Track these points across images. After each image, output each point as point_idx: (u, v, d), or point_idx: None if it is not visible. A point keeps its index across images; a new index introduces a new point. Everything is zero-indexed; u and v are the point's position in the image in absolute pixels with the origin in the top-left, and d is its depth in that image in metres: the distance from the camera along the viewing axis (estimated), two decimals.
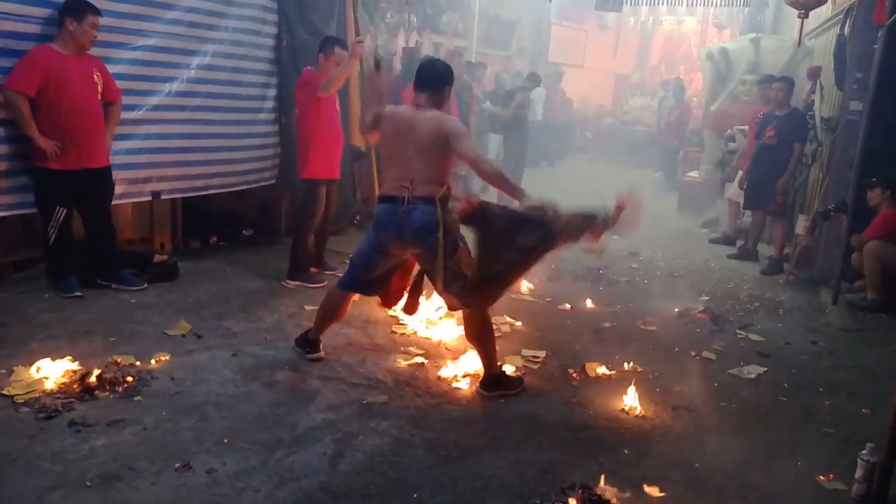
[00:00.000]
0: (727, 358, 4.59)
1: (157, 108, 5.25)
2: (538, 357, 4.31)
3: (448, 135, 3.56)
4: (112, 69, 4.80)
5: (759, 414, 3.81)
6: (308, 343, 4.05)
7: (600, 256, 5.22)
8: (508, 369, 4.02)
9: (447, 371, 3.98)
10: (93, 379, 3.44)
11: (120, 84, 4.84)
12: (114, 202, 4.98)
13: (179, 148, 5.46)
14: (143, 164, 5.23)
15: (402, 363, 4.09)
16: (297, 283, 5.41)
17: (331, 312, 4.00)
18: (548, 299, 5.52)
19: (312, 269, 5.58)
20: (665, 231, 8.93)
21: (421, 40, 10.22)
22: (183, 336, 4.25)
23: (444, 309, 4.39)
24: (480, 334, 3.72)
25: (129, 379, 3.55)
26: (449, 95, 3.86)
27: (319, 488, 2.81)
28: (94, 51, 4.64)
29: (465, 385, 3.84)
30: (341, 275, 4.12)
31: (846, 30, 6.60)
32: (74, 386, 3.41)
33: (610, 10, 15.06)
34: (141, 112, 5.13)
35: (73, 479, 2.73)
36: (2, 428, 3.05)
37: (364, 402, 3.57)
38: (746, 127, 8.31)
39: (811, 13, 6.92)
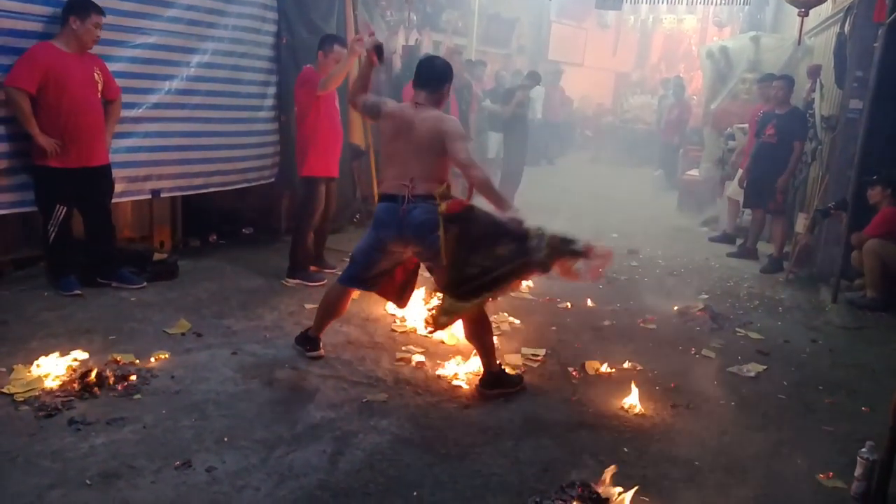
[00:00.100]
0: (727, 356, 4.59)
1: (156, 106, 5.25)
2: (538, 355, 4.32)
3: (445, 135, 3.56)
4: (112, 67, 4.80)
5: (758, 412, 3.81)
6: (308, 341, 4.05)
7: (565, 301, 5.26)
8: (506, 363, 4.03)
9: (447, 369, 3.98)
10: (93, 377, 3.44)
11: (119, 82, 4.84)
12: (113, 200, 4.98)
13: (179, 146, 5.46)
14: (143, 162, 5.23)
15: (402, 362, 4.09)
16: (297, 281, 5.41)
17: (331, 309, 4.00)
18: (547, 297, 5.52)
19: (312, 268, 5.58)
20: (665, 229, 8.95)
21: (421, 38, 10.21)
22: (183, 334, 4.25)
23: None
24: (479, 333, 3.72)
25: (129, 377, 3.55)
26: (448, 93, 3.86)
27: (319, 486, 2.81)
28: (93, 49, 4.63)
29: (464, 383, 3.84)
30: (341, 273, 4.12)
31: (846, 28, 6.60)
32: (74, 384, 3.41)
33: (610, 9, 15.03)
34: (141, 110, 5.13)
35: (73, 478, 2.73)
36: (2, 426, 3.05)
37: (364, 400, 3.57)
38: (746, 125, 8.30)
39: (811, 11, 6.91)
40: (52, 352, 3.62)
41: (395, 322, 4.72)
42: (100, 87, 4.65)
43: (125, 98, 4.91)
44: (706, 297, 5.93)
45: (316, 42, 5.46)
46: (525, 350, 4.38)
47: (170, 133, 5.37)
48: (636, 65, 19.50)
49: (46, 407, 3.20)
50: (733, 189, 8.18)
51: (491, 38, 14.18)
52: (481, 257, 3.45)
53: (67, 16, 4.44)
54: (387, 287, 3.99)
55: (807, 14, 6.77)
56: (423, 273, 3.99)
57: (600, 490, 2.81)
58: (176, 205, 6.03)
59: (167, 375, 3.66)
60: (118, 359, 3.76)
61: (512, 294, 3.81)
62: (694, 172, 10.80)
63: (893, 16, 5.26)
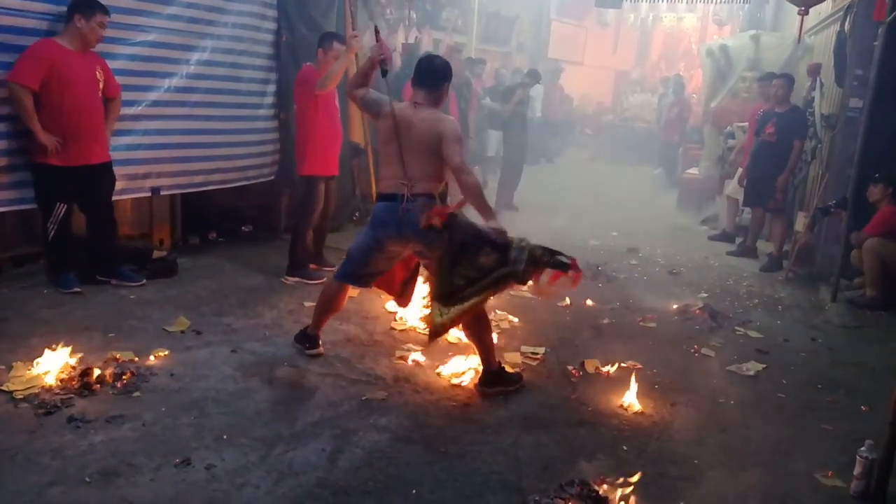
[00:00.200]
0: (726, 355, 4.59)
1: (156, 103, 5.24)
2: (537, 354, 4.32)
3: (442, 136, 3.56)
4: (111, 64, 4.79)
5: (757, 411, 3.81)
6: (307, 339, 4.05)
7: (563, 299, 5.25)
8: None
9: (446, 368, 3.98)
10: (92, 375, 3.44)
11: (119, 80, 4.83)
12: (113, 198, 4.97)
13: (179, 144, 5.45)
14: (143, 159, 5.22)
15: (401, 360, 4.09)
16: (297, 279, 5.41)
17: (328, 305, 4.00)
18: (547, 296, 5.51)
19: (311, 266, 5.58)
20: (664, 228, 8.95)
21: (420, 37, 10.21)
22: (182, 332, 4.25)
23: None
24: (478, 331, 3.72)
25: (129, 375, 3.55)
26: (447, 92, 3.85)
27: (318, 484, 2.81)
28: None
29: (464, 381, 3.84)
30: (336, 269, 4.13)
31: (846, 27, 6.59)
32: (73, 382, 3.41)
33: (610, 7, 15.07)
34: (140, 108, 5.13)
35: (73, 475, 2.73)
36: (1, 424, 3.05)
37: (363, 398, 3.57)
38: (746, 124, 8.30)
39: (811, 10, 6.92)
40: (52, 349, 3.62)
41: (394, 320, 4.72)
42: (101, 86, 4.65)
43: (125, 96, 4.90)
44: (706, 295, 5.93)
45: (315, 40, 5.45)
46: (524, 348, 4.38)
47: (169, 131, 5.37)
48: (636, 63, 19.49)
49: (46, 404, 3.20)
50: (733, 188, 8.18)
51: (491, 36, 14.17)
52: (465, 268, 3.47)
53: (72, 14, 4.44)
54: (389, 283, 4.00)
55: (807, 12, 6.78)
56: (423, 272, 3.98)
57: (599, 488, 2.81)
58: (175, 202, 6.03)
59: (166, 373, 3.66)
60: (117, 356, 3.76)
61: (511, 293, 3.81)
62: (694, 171, 10.80)
63: (893, 14, 5.26)
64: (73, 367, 3.54)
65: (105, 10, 4.53)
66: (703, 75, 11.38)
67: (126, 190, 5.16)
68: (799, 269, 6.81)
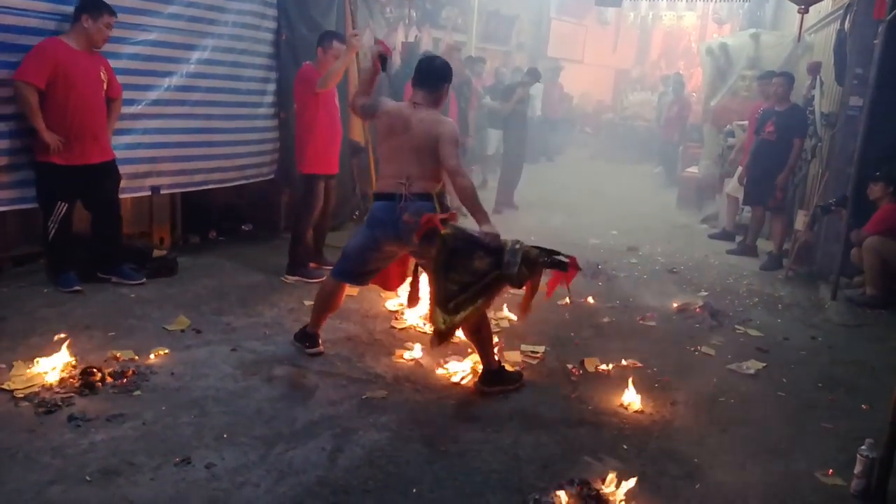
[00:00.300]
0: (726, 353, 4.59)
1: (156, 102, 5.24)
2: (537, 352, 4.32)
3: (439, 137, 3.56)
4: (112, 63, 4.80)
5: (757, 409, 3.81)
6: (307, 338, 4.05)
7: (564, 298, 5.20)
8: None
9: (446, 366, 3.98)
10: (93, 374, 3.44)
11: (120, 78, 4.83)
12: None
13: (179, 143, 5.45)
14: (143, 158, 5.22)
15: (401, 358, 4.09)
16: (297, 278, 5.41)
17: (326, 303, 4.00)
18: (547, 295, 5.50)
19: (311, 264, 5.58)
20: (664, 226, 8.95)
21: (420, 35, 10.20)
22: (182, 331, 4.25)
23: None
24: (478, 330, 3.71)
25: (129, 374, 3.55)
26: (447, 93, 3.85)
27: (318, 483, 2.81)
28: None
29: (464, 380, 3.84)
30: (333, 267, 4.13)
31: (846, 25, 6.59)
32: (74, 380, 3.41)
33: (609, 5, 15.08)
34: (140, 107, 5.13)
35: (73, 474, 2.73)
36: (2, 422, 3.05)
37: (363, 397, 3.57)
38: (746, 122, 8.29)
39: (811, 8, 6.91)
40: (52, 348, 3.62)
41: (394, 319, 4.73)
42: (105, 86, 4.67)
43: (125, 94, 4.90)
44: (706, 294, 5.93)
45: (315, 39, 5.45)
46: (524, 347, 4.38)
47: (169, 130, 5.37)
48: (636, 61, 19.50)
49: (46, 403, 3.20)
50: (733, 186, 8.17)
51: (490, 34, 14.17)
52: (459, 273, 3.46)
53: (80, 14, 4.47)
54: (385, 280, 4.01)
55: (807, 11, 6.76)
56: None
57: (600, 487, 2.81)
58: (175, 201, 6.03)
59: (167, 372, 3.66)
60: (118, 355, 3.76)
61: (512, 291, 3.81)
62: (693, 169, 10.80)
63: (893, 13, 5.25)
64: (74, 366, 3.54)
65: (112, 12, 4.57)
66: (703, 74, 11.37)
67: (126, 189, 5.16)
68: (799, 267, 6.81)
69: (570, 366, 4.17)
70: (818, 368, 4.48)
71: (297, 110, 5.41)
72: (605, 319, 5.11)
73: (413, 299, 4.02)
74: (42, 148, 4.41)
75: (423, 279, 3.79)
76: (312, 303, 4.13)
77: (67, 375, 3.46)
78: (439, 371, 3.95)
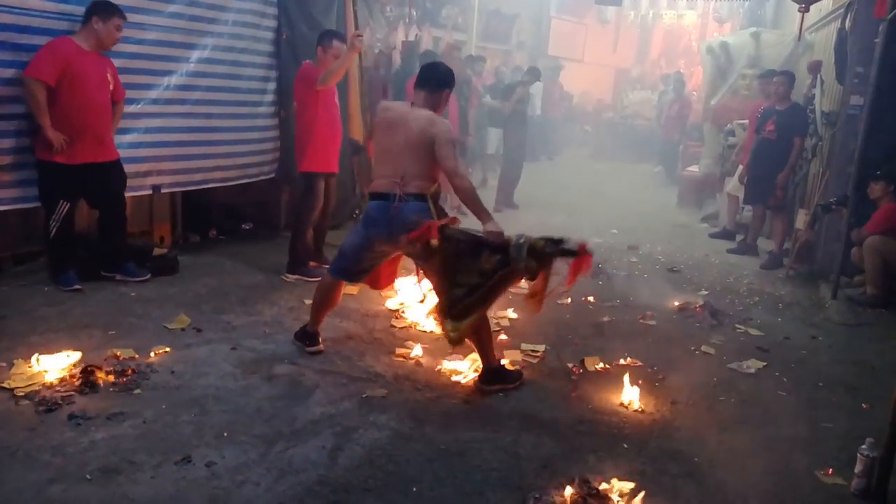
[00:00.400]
0: (726, 352, 4.59)
1: (156, 101, 5.25)
2: (537, 351, 4.32)
3: (434, 138, 3.56)
4: (113, 62, 4.81)
5: (757, 408, 3.81)
6: (307, 336, 4.05)
7: (566, 296, 5.15)
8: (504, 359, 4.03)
9: (446, 365, 3.98)
10: (93, 373, 3.44)
11: (120, 77, 4.83)
12: None
13: (179, 142, 5.46)
14: (143, 157, 5.22)
15: (401, 357, 4.09)
16: (297, 276, 5.42)
17: (324, 301, 4.01)
18: (547, 293, 5.50)
19: (311, 263, 5.57)
20: (664, 225, 8.95)
21: (420, 34, 10.19)
22: (182, 330, 4.25)
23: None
24: (478, 329, 3.71)
25: (129, 372, 3.55)
26: (447, 99, 3.87)
27: (318, 482, 2.81)
28: None
29: (464, 379, 3.84)
30: (330, 264, 4.13)
31: (847, 24, 6.58)
32: (74, 379, 3.41)
33: (610, 4, 15.07)
34: (141, 105, 5.13)
35: (73, 472, 2.73)
36: (2, 421, 3.05)
37: (363, 395, 3.57)
38: (746, 121, 8.29)
39: (812, 7, 6.91)
40: (52, 347, 3.62)
41: (394, 317, 4.73)
42: (111, 88, 4.70)
43: (126, 93, 4.90)
44: (706, 293, 5.93)
45: (316, 38, 5.45)
46: (525, 346, 4.38)
47: (170, 129, 5.37)
48: (636, 60, 19.49)
49: (46, 402, 3.20)
50: (733, 185, 8.17)
51: (491, 33, 14.16)
52: (466, 275, 3.45)
53: (90, 15, 4.51)
54: (374, 280, 4.04)
55: (807, 10, 6.77)
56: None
57: (599, 486, 2.81)
58: (176, 200, 6.03)
59: (167, 370, 3.66)
60: (118, 354, 3.76)
61: (514, 291, 3.81)
62: (694, 168, 10.80)
63: (894, 11, 5.25)
64: (74, 365, 3.53)
65: (122, 14, 4.61)
66: (704, 73, 11.37)
67: (127, 188, 5.14)
68: (799, 266, 6.80)
69: (570, 365, 4.16)
70: (818, 368, 4.48)
71: (298, 109, 5.41)
72: (606, 318, 5.11)
73: (380, 283, 4.05)
74: (44, 146, 4.41)
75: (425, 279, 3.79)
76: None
77: (68, 374, 3.46)
78: (439, 370, 3.94)
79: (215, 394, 3.47)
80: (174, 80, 5.33)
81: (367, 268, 3.89)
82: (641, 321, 5.12)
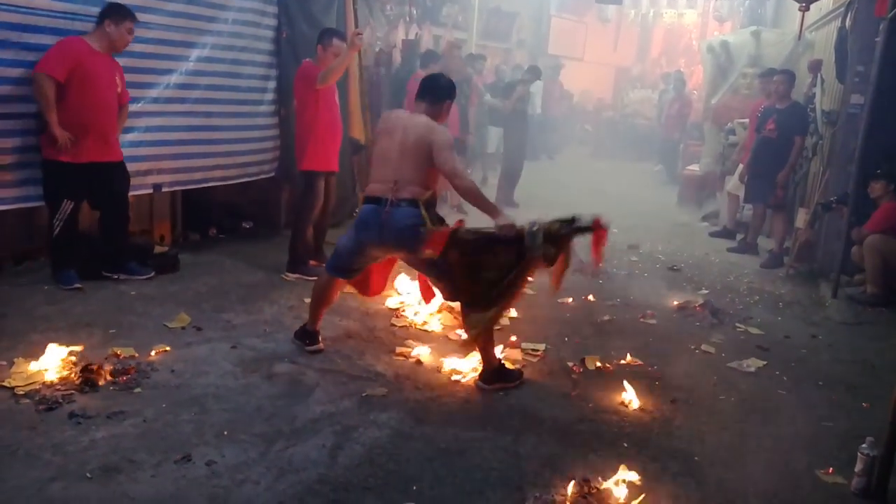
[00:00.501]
0: (726, 351, 4.59)
1: (157, 100, 5.24)
2: (538, 350, 4.31)
3: (432, 144, 3.58)
4: (121, 66, 4.84)
5: (758, 407, 3.81)
6: (307, 335, 4.06)
7: (596, 274, 5.13)
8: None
9: (447, 364, 3.98)
10: (93, 371, 3.44)
11: None
12: None
13: (179, 140, 5.45)
14: (144, 156, 5.22)
15: (401, 356, 4.09)
16: (297, 275, 5.41)
17: (321, 298, 4.02)
18: (548, 292, 5.51)
19: (311, 262, 5.57)
20: (665, 224, 8.95)
21: (421, 33, 10.20)
22: (182, 328, 4.25)
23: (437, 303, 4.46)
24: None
25: (129, 371, 3.55)
26: (448, 110, 3.89)
27: (319, 480, 2.81)
28: None
29: (464, 378, 3.84)
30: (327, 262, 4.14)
31: (847, 23, 6.58)
32: (74, 378, 3.41)
33: (610, 3, 15.06)
34: (141, 104, 5.12)
35: (74, 471, 2.73)
36: (2, 419, 3.05)
37: (363, 394, 3.57)
38: (747, 120, 8.29)
39: (812, 6, 6.92)
40: (53, 346, 3.61)
41: (395, 316, 4.73)
42: (119, 90, 4.73)
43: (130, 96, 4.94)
44: (706, 292, 5.93)
45: (316, 36, 5.44)
46: (525, 345, 4.38)
47: (170, 127, 5.37)
48: (636, 59, 19.49)
49: (47, 400, 3.20)
50: (733, 184, 8.18)
51: (491, 32, 14.16)
52: (486, 272, 3.46)
53: (103, 18, 4.56)
54: (363, 284, 4.07)
55: (808, 9, 6.77)
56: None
57: (600, 485, 2.81)
58: (176, 199, 6.03)
59: (167, 369, 3.66)
60: (118, 352, 3.76)
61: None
62: (694, 167, 10.80)
63: (895, 10, 5.24)
64: (74, 364, 3.53)
65: (134, 18, 4.66)
66: (704, 72, 11.37)
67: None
68: (799, 265, 6.80)
69: (570, 364, 4.16)
70: (819, 366, 4.48)
71: (298, 108, 5.41)
72: (606, 317, 5.11)
73: (427, 296, 4.07)
74: (50, 143, 4.42)
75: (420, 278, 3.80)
76: None
77: (68, 372, 3.45)
78: (440, 369, 3.94)
79: (215, 392, 3.47)
80: (174, 78, 5.33)
81: (361, 267, 3.91)
82: (642, 320, 5.12)
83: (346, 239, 3.86)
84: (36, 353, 3.56)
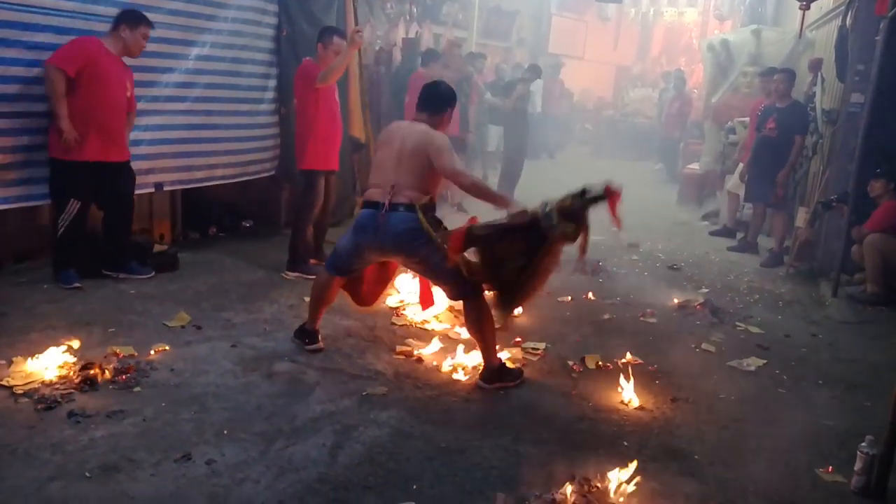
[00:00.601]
0: (727, 350, 4.59)
1: (157, 99, 5.25)
2: (538, 349, 4.31)
3: (430, 149, 3.60)
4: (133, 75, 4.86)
5: (758, 406, 3.81)
6: (307, 334, 4.06)
7: (596, 273, 5.11)
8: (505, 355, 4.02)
9: (447, 363, 3.97)
10: (92, 370, 3.44)
11: None
12: None
13: (180, 139, 5.46)
14: (145, 155, 5.22)
15: (402, 355, 4.09)
16: (297, 274, 5.41)
17: (320, 297, 4.02)
18: (547, 291, 5.50)
19: (311, 261, 5.57)
20: (665, 223, 8.94)
21: (421, 31, 10.19)
22: (182, 327, 4.25)
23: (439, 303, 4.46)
24: (480, 326, 3.71)
25: (129, 370, 3.54)
26: (449, 118, 3.91)
27: (319, 479, 2.81)
28: None
29: (464, 377, 3.84)
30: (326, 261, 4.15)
31: (848, 21, 6.57)
32: (74, 376, 3.41)
33: (610, 2, 15.06)
34: (141, 103, 5.11)
35: (73, 470, 2.73)
36: (1, 419, 3.05)
37: (364, 393, 3.57)
38: (747, 119, 8.29)
39: (813, 5, 6.92)
40: (52, 344, 3.61)
41: (395, 315, 4.72)
42: (128, 95, 4.76)
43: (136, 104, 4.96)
44: (706, 291, 5.93)
45: (316, 34, 5.44)
46: (525, 344, 4.38)
47: (171, 126, 5.38)
48: (637, 58, 19.46)
49: (46, 399, 3.20)
50: (734, 183, 8.17)
51: (491, 30, 14.15)
52: (509, 261, 3.45)
53: (119, 23, 4.62)
54: (355, 289, 4.07)
55: (808, 7, 6.77)
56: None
57: (600, 484, 2.81)
58: (175, 197, 6.03)
59: (167, 368, 3.66)
60: (118, 351, 3.75)
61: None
62: (694, 166, 10.80)
63: (895, 9, 5.24)
64: (74, 363, 3.53)
65: (150, 23, 4.72)
66: (704, 70, 11.37)
67: None
68: (800, 264, 6.80)
69: (570, 362, 4.16)
70: (819, 365, 4.47)
71: (298, 106, 5.40)
72: (606, 316, 5.11)
73: (426, 302, 4.08)
74: (56, 144, 4.44)
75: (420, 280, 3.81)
76: None
77: (67, 371, 3.45)
78: (440, 367, 3.94)
79: (215, 391, 3.47)
80: (174, 77, 5.33)
81: (360, 269, 3.92)
82: (642, 319, 5.11)
83: (345, 240, 3.86)
84: (35, 351, 3.56)
